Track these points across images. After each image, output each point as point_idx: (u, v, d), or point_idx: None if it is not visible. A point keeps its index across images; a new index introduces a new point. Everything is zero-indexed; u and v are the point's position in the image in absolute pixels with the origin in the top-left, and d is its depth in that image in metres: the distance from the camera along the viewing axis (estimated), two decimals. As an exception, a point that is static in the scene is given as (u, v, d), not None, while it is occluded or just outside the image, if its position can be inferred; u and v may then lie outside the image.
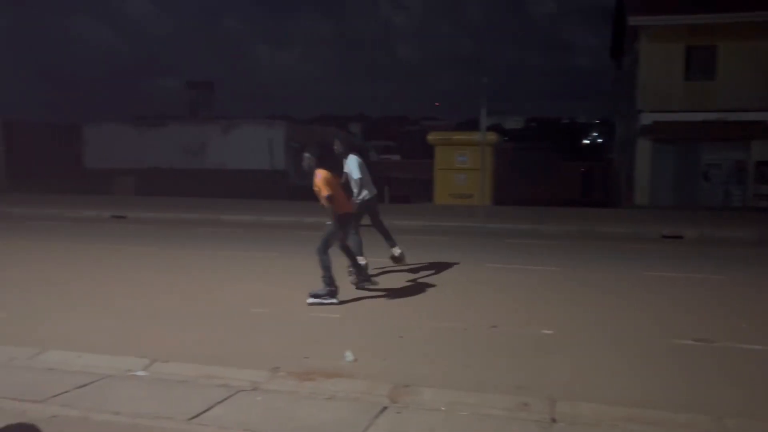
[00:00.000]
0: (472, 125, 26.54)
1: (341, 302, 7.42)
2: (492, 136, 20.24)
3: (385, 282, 8.52)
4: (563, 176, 35.01)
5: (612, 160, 33.24)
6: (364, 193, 8.70)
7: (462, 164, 22.18)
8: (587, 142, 78.49)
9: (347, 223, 7.81)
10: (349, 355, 5.54)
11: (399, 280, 8.83)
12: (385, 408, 4.33)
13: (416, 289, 8.37)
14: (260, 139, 26.69)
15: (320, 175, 7.53)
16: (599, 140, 74.18)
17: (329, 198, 7.40)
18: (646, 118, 22.00)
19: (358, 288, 8.10)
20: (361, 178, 8.62)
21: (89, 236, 13.37)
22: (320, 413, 4.23)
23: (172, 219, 16.34)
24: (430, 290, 8.30)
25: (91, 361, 5.35)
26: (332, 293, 7.44)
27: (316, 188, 7.58)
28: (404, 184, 28.34)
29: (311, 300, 7.43)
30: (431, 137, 23.34)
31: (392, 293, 8.02)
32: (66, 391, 4.62)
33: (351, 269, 8.14)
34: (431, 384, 4.81)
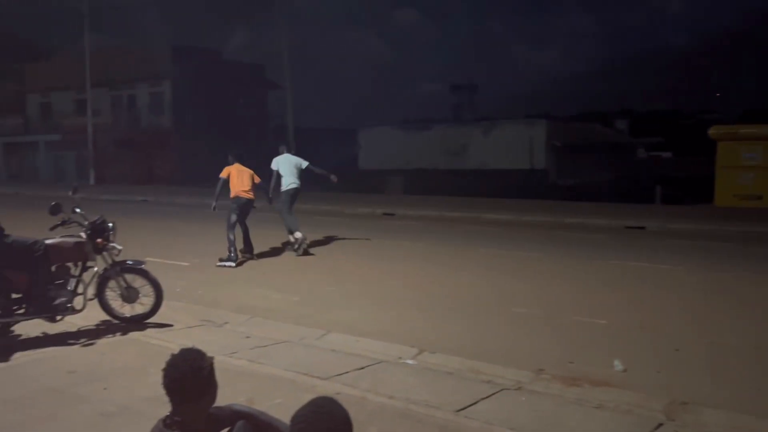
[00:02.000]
0: (760, 117, 23.30)
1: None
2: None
3: (660, 289, 7.91)
4: None
5: None
6: (287, 183, 10.98)
7: (750, 161, 19.62)
8: None
9: (242, 205, 10.21)
10: (618, 364, 5.25)
11: (674, 288, 8.13)
12: (660, 425, 4.01)
13: (694, 300, 7.62)
14: (521, 139, 26.60)
15: (226, 168, 10.25)
16: None
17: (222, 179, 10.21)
18: None
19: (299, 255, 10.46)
20: (277, 171, 11.01)
21: (364, 231, 14.55)
22: (588, 422, 4.06)
23: (436, 216, 17.05)
24: (710, 302, 7.49)
25: (367, 345, 5.80)
26: (231, 258, 9.82)
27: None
28: (677, 183, 25.98)
29: (218, 263, 9.80)
30: (713, 131, 21.03)
31: (667, 304, 7.42)
32: (347, 372, 5.07)
33: (293, 241, 10.26)
34: (713, 404, 4.35)
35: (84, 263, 6.15)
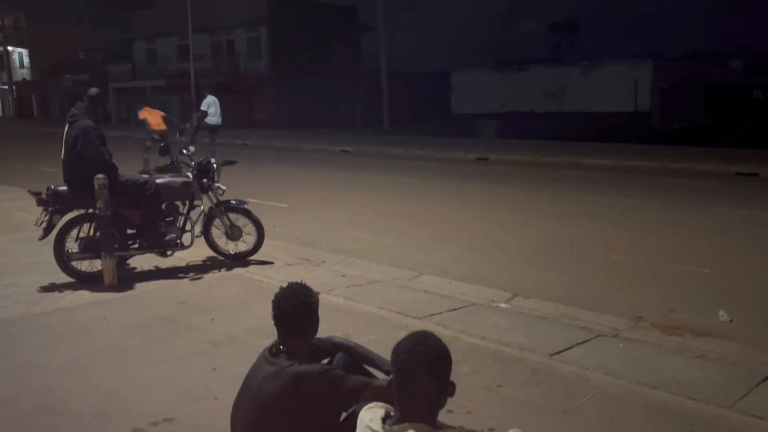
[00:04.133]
0: None
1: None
2: None
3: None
4: None
5: None
6: (214, 121, 15.10)
7: None
8: None
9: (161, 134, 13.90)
10: (723, 315, 5.03)
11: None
12: (767, 378, 3.84)
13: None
14: (624, 80, 25.24)
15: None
16: None
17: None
18: None
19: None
20: (205, 111, 15.14)
21: (456, 176, 14.45)
22: (689, 370, 3.95)
23: (531, 161, 16.65)
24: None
25: (459, 288, 5.85)
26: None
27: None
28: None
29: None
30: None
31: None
32: (439, 312, 5.14)
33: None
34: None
35: (191, 202, 6.49)
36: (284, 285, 2.65)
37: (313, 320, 2.62)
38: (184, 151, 6.60)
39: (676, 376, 3.87)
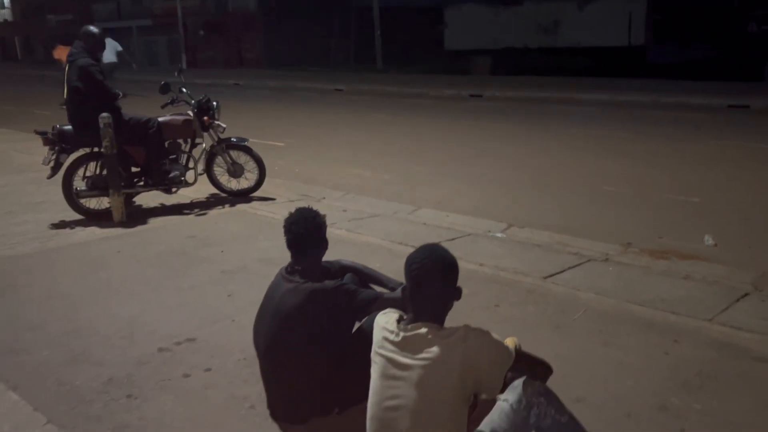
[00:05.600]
0: None
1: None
2: None
3: (760, 169, 7.67)
4: None
5: None
6: (108, 59, 14.97)
7: None
8: None
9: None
10: (708, 239, 5.29)
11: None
12: (746, 294, 4.11)
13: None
14: (618, 13, 24.93)
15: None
16: None
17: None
18: None
19: None
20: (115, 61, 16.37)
21: (450, 113, 14.52)
22: (674, 289, 4.21)
23: (525, 97, 16.69)
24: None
25: (457, 220, 6.06)
26: None
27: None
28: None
29: None
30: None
31: (766, 184, 7.22)
32: (438, 242, 5.35)
33: None
34: (805, 279, 4.37)
35: (193, 140, 6.62)
36: (292, 211, 2.86)
37: (322, 240, 2.84)
38: (183, 90, 6.68)
39: (661, 294, 4.13)
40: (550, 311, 3.94)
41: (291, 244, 2.82)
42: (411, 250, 5.17)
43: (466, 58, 26.95)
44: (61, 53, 14.64)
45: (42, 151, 6.28)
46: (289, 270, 2.83)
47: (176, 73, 7.03)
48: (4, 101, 18.99)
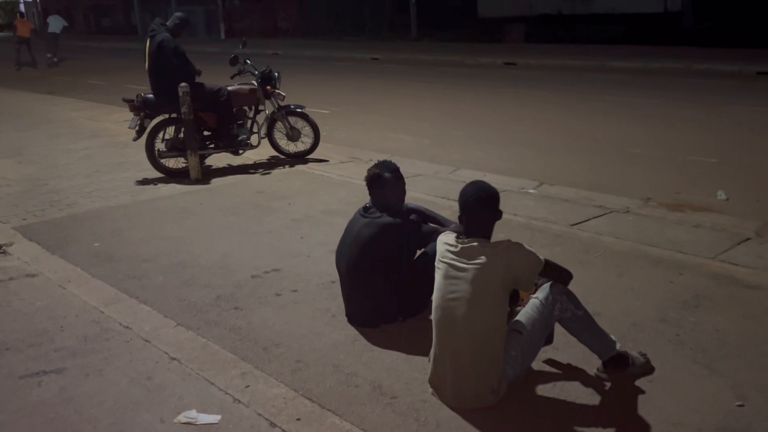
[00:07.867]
0: None
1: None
2: None
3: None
4: None
5: None
6: (51, 29, 21.25)
7: None
8: None
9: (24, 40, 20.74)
10: (721, 194, 5.89)
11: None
12: (748, 239, 4.74)
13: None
14: (655, -21, 24.82)
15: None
16: None
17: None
18: None
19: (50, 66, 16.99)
20: (49, 24, 21.76)
21: (486, 80, 15.04)
22: (684, 235, 4.86)
23: (559, 65, 17.09)
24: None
25: (493, 179, 6.57)
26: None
27: None
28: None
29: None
30: None
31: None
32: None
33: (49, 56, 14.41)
34: (806, 228, 4.97)
35: (257, 107, 7.39)
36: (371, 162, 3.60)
37: (400, 184, 3.55)
38: (248, 61, 7.43)
39: (672, 238, 4.79)
40: (575, 251, 4.63)
41: (372, 186, 3.54)
42: (452, 203, 5.91)
43: (499, 25, 27.06)
44: (18, 24, 21.51)
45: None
46: (366, 208, 3.58)
47: (241, 46, 7.78)
48: (91, 74, 20.02)
